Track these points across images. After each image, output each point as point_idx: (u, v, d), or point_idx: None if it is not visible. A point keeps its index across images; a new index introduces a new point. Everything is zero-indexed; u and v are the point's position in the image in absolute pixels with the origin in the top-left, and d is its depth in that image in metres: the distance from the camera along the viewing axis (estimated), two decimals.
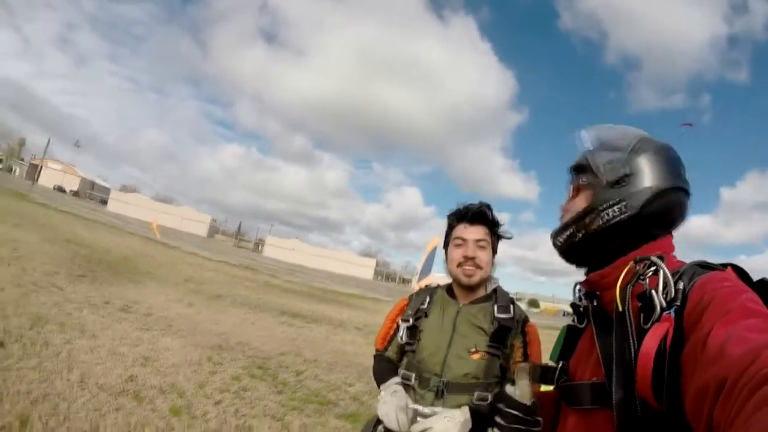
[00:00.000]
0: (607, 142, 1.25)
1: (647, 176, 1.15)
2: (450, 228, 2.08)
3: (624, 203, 1.15)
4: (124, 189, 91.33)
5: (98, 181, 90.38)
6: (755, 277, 0.99)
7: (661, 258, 1.01)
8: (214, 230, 74.51)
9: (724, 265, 1.02)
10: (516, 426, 1.32)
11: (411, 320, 1.99)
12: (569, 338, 1.35)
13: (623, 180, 1.16)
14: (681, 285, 0.95)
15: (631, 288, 1.04)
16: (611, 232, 1.16)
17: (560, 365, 1.29)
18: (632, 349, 0.95)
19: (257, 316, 10.69)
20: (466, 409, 1.74)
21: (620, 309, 1.03)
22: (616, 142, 1.23)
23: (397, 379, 1.93)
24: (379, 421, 1.83)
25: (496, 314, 1.92)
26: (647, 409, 0.89)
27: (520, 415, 1.29)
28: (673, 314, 0.90)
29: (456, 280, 2.01)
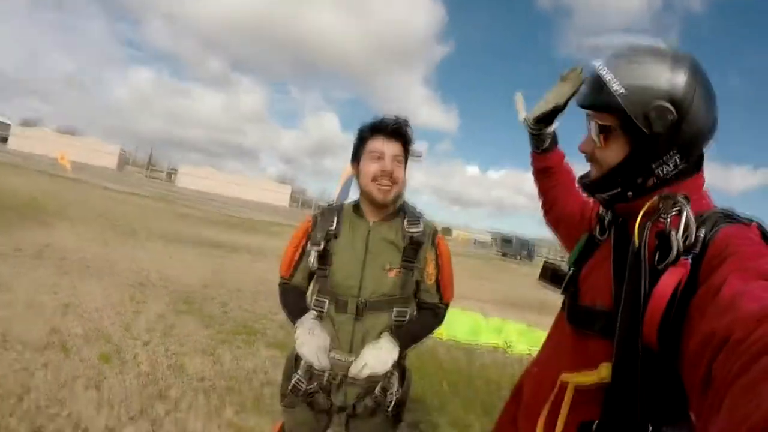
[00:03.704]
0: (641, 80, 1.06)
1: (696, 119, 1.04)
2: (362, 141, 1.97)
3: (677, 156, 1.06)
4: (26, 123, 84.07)
5: None
6: None
7: (686, 199, 0.98)
8: (124, 161, 70.46)
9: (750, 220, 0.98)
10: None
11: (322, 244, 1.91)
12: (587, 247, 1.32)
13: (672, 128, 1.03)
14: (702, 232, 0.93)
15: (650, 225, 1.03)
16: (682, 171, 1.09)
17: (571, 271, 1.29)
18: (642, 288, 0.95)
19: (176, 249, 10.59)
20: (387, 335, 1.83)
21: (636, 245, 1.02)
22: (652, 79, 1.05)
23: (312, 314, 1.88)
24: (299, 357, 1.84)
25: (407, 229, 1.93)
26: (645, 349, 0.91)
27: None
28: (690, 260, 0.90)
29: (369, 195, 1.92)
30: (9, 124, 71.63)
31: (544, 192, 1.74)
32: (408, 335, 1.89)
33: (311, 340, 1.75)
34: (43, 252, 7.67)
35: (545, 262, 1.42)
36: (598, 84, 1.11)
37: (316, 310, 1.90)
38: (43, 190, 16.68)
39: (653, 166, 1.07)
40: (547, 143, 1.67)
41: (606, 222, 1.27)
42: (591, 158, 1.20)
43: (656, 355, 0.89)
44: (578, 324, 1.15)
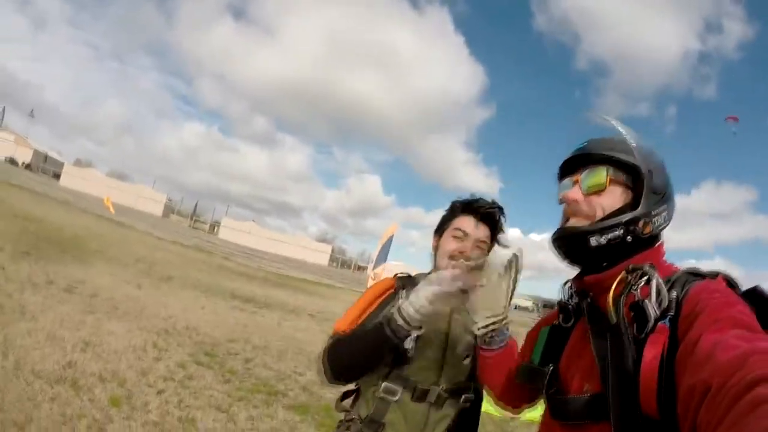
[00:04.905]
0: (645, 146, 1.20)
1: (672, 187, 1.20)
2: (451, 216, 1.85)
3: (665, 214, 1.16)
4: (78, 163, 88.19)
5: (52, 154, 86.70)
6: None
7: (653, 267, 1.01)
8: (169, 210, 72.64)
9: (714, 274, 1.03)
10: None
11: (422, 326, 1.61)
12: (553, 339, 1.30)
13: (662, 188, 1.16)
14: (674, 294, 0.95)
15: (624, 299, 1.02)
16: (648, 239, 1.14)
17: (551, 369, 1.22)
18: (630, 362, 0.93)
19: (208, 300, 10.50)
20: None
21: (614, 320, 1.01)
22: (646, 146, 1.20)
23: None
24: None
25: None
26: (646, 421, 0.88)
27: None
28: (668, 324, 0.91)
29: None
30: (62, 162, 74.85)
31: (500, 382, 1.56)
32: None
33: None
34: (75, 288, 7.67)
35: (519, 364, 1.38)
36: (608, 137, 1.23)
37: (382, 397, 1.68)
38: (86, 228, 17.12)
39: (653, 213, 1.13)
40: (508, 332, 1.58)
41: (571, 308, 1.27)
42: (575, 210, 1.20)
43: (657, 423, 0.86)
44: (569, 417, 1.09)
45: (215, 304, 10.27)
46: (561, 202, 1.24)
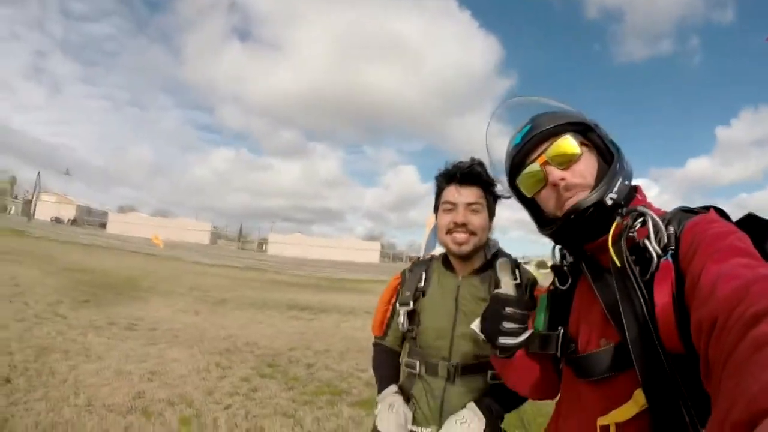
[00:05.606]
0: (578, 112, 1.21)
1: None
2: (439, 191, 1.83)
3: (627, 170, 1.13)
4: (122, 210, 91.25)
5: (94, 206, 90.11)
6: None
7: (645, 207, 1.02)
8: (216, 237, 74.53)
9: (706, 208, 1.03)
10: (520, 326, 1.29)
11: (411, 303, 1.81)
12: (555, 304, 1.27)
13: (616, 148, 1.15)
14: (672, 230, 0.96)
15: (623, 242, 1.00)
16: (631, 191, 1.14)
17: (562, 332, 1.20)
18: (642, 303, 0.93)
19: (265, 315, 10.71)
20: (472, 405, 1.65)
21: (618, 264, 0.99)
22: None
23: (394, 388, 1.81)
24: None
25: None
26: (669, 358, 0.88)
27: (524, 312, 1.31)
28: (670, 259, 0.92)
29: (447, 248, 1.80)
30: (107, 212, 77.60)
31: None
32: (502, 402, 1.68)
33: (390, 417, 1.67)
34: (135, 325, 7.96)
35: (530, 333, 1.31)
36: (551, 112, 1.20)
37: (408, 372, 1.84)
38: (137, 268, 17.83)
39: (625, 166, 1.12)
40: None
41: (566, 269, 1.26)
42: (568, 186, 1.11)
43: (681, 357, 0.86)
44: (597, 373, 1.07)
45: (272, 318, 10.46)
46: (554, 185, 1.12)
